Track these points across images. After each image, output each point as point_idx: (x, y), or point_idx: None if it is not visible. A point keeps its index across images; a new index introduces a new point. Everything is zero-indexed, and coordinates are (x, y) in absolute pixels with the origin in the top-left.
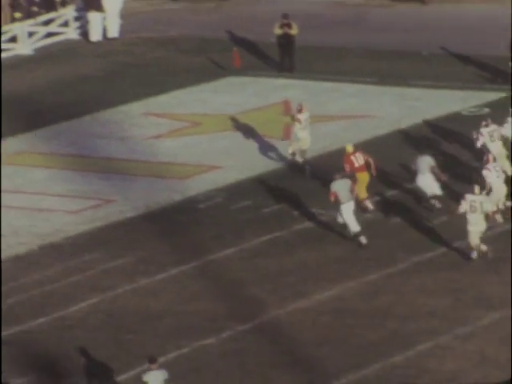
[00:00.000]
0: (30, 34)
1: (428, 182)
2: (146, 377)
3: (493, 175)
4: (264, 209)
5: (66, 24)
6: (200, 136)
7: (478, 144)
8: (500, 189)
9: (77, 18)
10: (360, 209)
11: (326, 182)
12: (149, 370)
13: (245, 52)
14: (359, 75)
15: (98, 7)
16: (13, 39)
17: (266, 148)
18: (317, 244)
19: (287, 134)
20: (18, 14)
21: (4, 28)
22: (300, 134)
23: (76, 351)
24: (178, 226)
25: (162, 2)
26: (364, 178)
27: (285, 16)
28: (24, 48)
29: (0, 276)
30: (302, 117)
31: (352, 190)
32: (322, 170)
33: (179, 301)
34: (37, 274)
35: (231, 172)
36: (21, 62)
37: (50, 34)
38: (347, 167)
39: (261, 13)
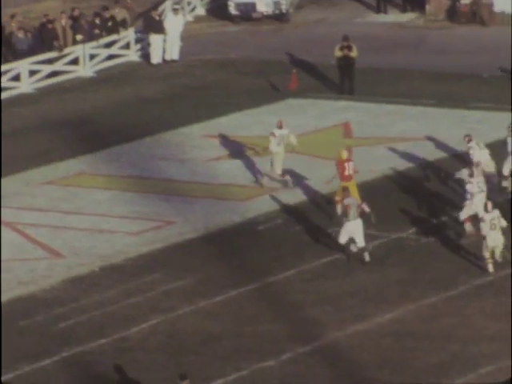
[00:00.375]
0: (92, 57)
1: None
2: None
3: (474, 188)
4: (324, 230)
5: (127, 46)
6: (258, 158)
7: (475, 159)
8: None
9: (138, 40)
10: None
11: (385, 206)
12: None
13: (304, 74)
14: (419, 97)
15: (159, 29)
16: (74, 61)
17: (325, 170)
18: (377, 266)
19: (348, 156)
20: (79, 37)
21: (66, 50)
22: (275, 149)
23: (136, 373)
24: (237, 248)
25: (222, 25)
26: (351, 187)
27: (345, 38)
28: (85, 70)
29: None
30: (277, 132)
31: (359, 206)
32: (382, 192)
33: (239, 323)
34: (97, 295)
35: (291, 194)
36: (82, 84)
37: (111, 56)
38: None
39: (320, 35)
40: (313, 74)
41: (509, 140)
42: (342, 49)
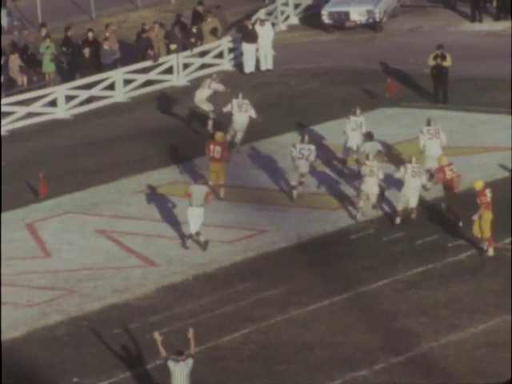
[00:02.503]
0: (186, 66)
1: None
2: (173, 367)
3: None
4: (417, 240)
5: (220, 55)
6: (351, 167)
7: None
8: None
9: (231, 50)
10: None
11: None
12: (176, 360)
13: (398, 83)
14: None
15: (253, 39)
16: (169, 70)
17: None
18: (470, 276)
19: (441, 168)
20: (173, 46)
21: (160, 59)
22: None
23: (229, 381)
24: (330, 257)
25: (315, 34)
26: (487, 216)
27: (439, 47)
28: (179, 79)
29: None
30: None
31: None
32: (476, 202)
33: (331, 332)
34: (190, 304)
35: (383, 203)
36: (176, 92)
37: (204, 66)
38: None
39: (414, 44)
40: (406, 83)
41: None
42: (435, 58)
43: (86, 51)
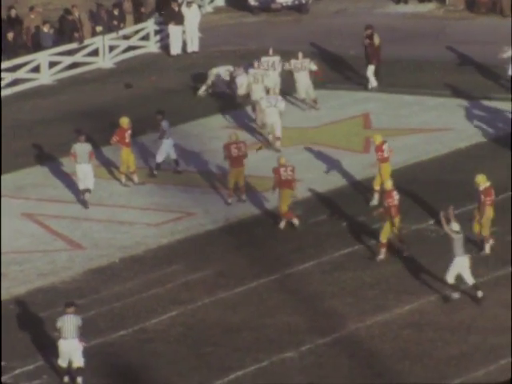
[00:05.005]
0: (111, 48)
1: None
2: (60, 321)
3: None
4: (343, 222)
5: (146, 38)
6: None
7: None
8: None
9: (157, 32)
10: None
11: (404, 197)
12: (64, 313)
13: (324, 65)
14: (440, 88)
15: (178, 20)
16: (94, 53)
17: (344, 161)
18: (396, 258)
19: (367, 148)
20: (99, 28)
21: (86, 41)
22: None
23: (157, 364)
24: (257, 239)
25: (241, 16)
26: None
27: (368, 27)
28: (105, 61)
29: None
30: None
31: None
32: (401, 184)
33: (258, 314)
34: (117, 287)
35: (310, 185)
36: (102, 75)
37: (130, 48)
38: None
39: (340, 26)
40: (332, 65)
41: None
42: (366, 38)
43: (10, 35)
